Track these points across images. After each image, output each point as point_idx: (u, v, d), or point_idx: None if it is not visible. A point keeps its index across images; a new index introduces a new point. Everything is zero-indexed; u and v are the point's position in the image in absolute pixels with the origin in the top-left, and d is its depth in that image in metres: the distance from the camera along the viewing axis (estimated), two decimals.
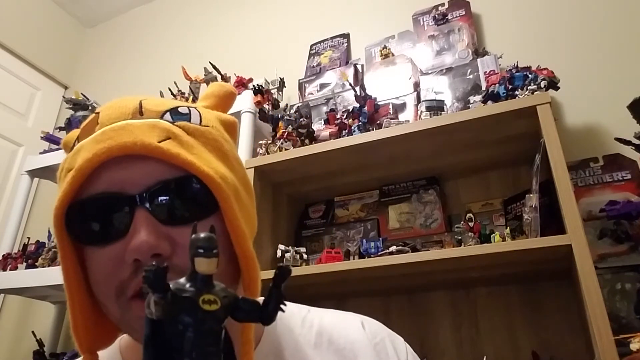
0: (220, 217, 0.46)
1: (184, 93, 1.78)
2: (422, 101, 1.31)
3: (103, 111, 0.49)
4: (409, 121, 1.31)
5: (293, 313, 0.59)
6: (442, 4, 1.63)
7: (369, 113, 1.34)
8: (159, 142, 0.44)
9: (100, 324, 0.48)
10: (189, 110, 0.50)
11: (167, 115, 0.48)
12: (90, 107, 1.93)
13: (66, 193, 0.43)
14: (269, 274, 0.35)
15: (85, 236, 0.45)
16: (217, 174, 0.45)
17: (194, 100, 1.68)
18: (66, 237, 0.45)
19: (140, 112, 0.47)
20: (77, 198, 0.44)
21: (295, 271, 1.20)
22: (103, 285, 0.45)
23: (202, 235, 0.31)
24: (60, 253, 0.45)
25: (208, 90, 0.58)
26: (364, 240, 1.26)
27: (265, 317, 0.35)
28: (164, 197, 0.44)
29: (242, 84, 1.71)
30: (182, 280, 0.32)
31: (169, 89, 1.77)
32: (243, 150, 1.48)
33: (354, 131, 1.32)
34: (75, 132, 0.52)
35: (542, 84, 1.12)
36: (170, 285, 0.31)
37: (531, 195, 1.04)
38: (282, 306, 0.35)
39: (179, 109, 0.49)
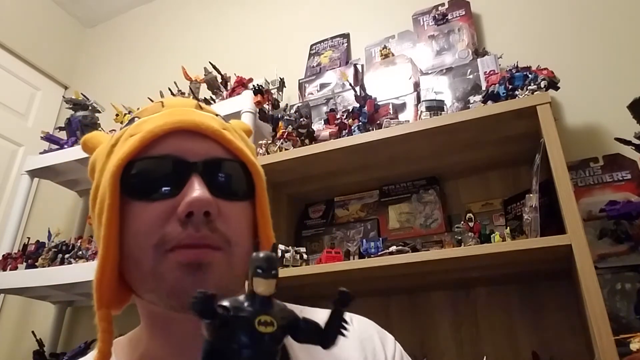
0: (252, 205, 0.53)
1: (184, 93, 1.78)
2: (422, 101, 1.31)
3: (167, 99, 0.57)
4: (409, 121, 1.31)
5: None
6: (442, 4, 1.63)
7: (369, 113, 1.34)
8: (221, 129, 0.52)
9: (117, 285, 0.50)
10: (233, 125, 0.58)
11: (220, 117, 0.57)
12: (90, 107, 1.93)
13: (133, 148, 0.48)
14: None
15: (141, 190, 0.49)
16: (259, 167, 0.54)
17: None
18: (118, 188, 0.48)
19: (200, 108, 0.56)
20: (139, 156, 0.49)
21: (295, 271, 1.20)
22: (143, 236, 0.48)
23: (261, 254, 0.31)
24: (108, 202, 0.48)
25: (233, 123, 0.64)
26: (364, 240, 1.26)
27: (325, 341, 0.34)
28: (218, 171, 0.51)
29: (242, 84, 1.70)
30: (241, 298, 0.32)
31: (169, 89, 1.77)
32: None
33: (354, 131, 1.32)
34: (98, 133, 0.60)
35: (542, 84, 1.12)
36: (228, 304, 0.31)
37: (531, 195, 1.04)
38: (343, 331, 0.35)
39: (223, 118, 0.58)
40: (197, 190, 0.47)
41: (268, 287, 0.31)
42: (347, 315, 0.60)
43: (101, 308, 0.49)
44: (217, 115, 0.57)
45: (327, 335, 0.34)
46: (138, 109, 0.57)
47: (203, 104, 0.57)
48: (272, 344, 0.31)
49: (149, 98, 1.41)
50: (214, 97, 1.75)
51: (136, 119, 0.54)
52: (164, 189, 0.48)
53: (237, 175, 0.52)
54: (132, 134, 0.51)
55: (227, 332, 0.31)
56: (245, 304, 0.31)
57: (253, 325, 0.30)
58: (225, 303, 0.31)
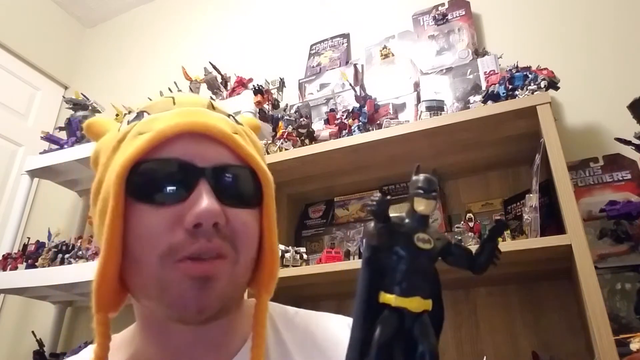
0: (259, 213, 0.52)
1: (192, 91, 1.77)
2: (422, 101, 1.31)
3: (179, 96, 0.54)
4: (409, 121, 1.31)
5: (280, 314, 0.60)
6: (442, 4, 1.63)
7: (369, 113, 1.34)
8: (232, 133, 0.50)
9: (116, 287, 0.49)
10: (241, 122, 0.57)
11: (231, 118, 0.54)
12: (90, 107, 1.93)
13: (141, 149, 0.47)
14: None
15: (147, 193, 0.47)
16: (269, 174, 0.52)
17: None
18: (123, 190, 0.47)
19: (212, 107, 0.54)
20: (147, 158, 0.47)
21: (295, 271, 1.20)
22: (147, 242, 0.46)
23: (422, 176, 0.32)
24: (112, 204, 0.46)
25: (242, 120, 0.62)
26: (364, 240, 1.26)
27: (476, 265, 0.35)
28: (227, 178, 0.49)
29: (242, 84, 1.70)
30: (402, 215, 0.33)
31: (169, 89, 1.77)
32: None
33: (354, 131, 1.32)
34: (101, 119, 0.58)
35: (542, 84, 1.12)
36: (391, 219, 0.33)
37: (531, 195, 1.04)
38: (495, 259, 0.35)
39: (237, 117, 0.56)
40: (205, 200, 0.45)
41: (428, 207, 0.32)
42: (344, 321, 0.60)
43: (99, 312, 0.48)
44: (229, 115, 0.55)
45: (478, 260, 0.35)
46: (137, 109, 0.54)
47: (216, 103, 0.55)
48: (427, 261, 0.33)
49: (148, 98, 1.41)
50: (214, 97, 1.75)
51: (145, 114, 0.51)
52: (171, 194, 0.47)
53: (246, 183, 0.51)
54: (140, 132, 0.49)
55: (389, 243, 0.32)
56: (406, 221, 0.33)
57: (412, 240, 0.32)
58: (391, 214, 0.33)
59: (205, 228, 0.45)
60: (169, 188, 0.47)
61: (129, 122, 0.52)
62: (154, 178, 0.48)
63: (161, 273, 0.46)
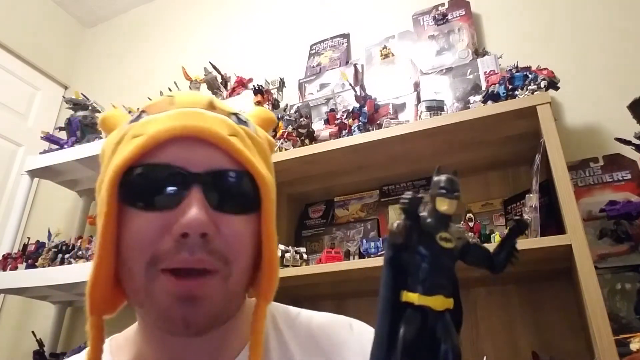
0: (257, 218, 0.49)
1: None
2: (422, 101, 1.31)
3: (178, 95, 0.52)
4: (409, 121, 1.31)
5: (282, 314, 0.60)
6: (442, 4, 1.63)
7: (369, 113, 1.34)
8: (228, 135, 0.48)
9: (111, 291, 0.49)
10: (247, 120, 0.54)
11: (233, 117, 0.52)
12: (90, 107, 1.93)
13: (133, 154, 0.46)
14: None
15: (138, 199, 0.46)
16: (268, 177, 0.49)
17: None
18: (116, 195, 0.46)
19: (212, 106, 0.51)
20: (139, 163, 0.46)
21: (295, 271, 1.20)
22: (138, 249, 0.46)
23: (444, 176, 0.33)
24: (104, 209, 0.46)
25: (254, 112, 0.60)
26: (364, 240, 1.26)
27: (495, 265, 0.35)
28: (220, 184, 0.47)
29: (242, 84, 1.71)
30: (424, 214, 0.34)
31: (169, 89, 1.77)
32: None
33: (354, 131, 1.32)
34: (117, 112, 0.56)
35: (542, 84, 1.12)
36: (420, 217, 0.33)
37: (531, 195, 1.04)
38: (513, 259, 0.35)
39: (240, 116, 0.53)
40: (193, 209, 0.44)
41: (450, 207, 0.32)
42: (347, 321, 0.60)
43: (93, 314, 0.47)
44: (230, 114, 0.52)
45: (497, 260, 0.35)
46: (138, 109, 0.53)
47: (217, 101, 0.52)
48: (449, 260, 0.33)
49: (148, 98, 1.41)
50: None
51: (144, 114, 0.50)
52: (161, 200, 0.46)
53: (241, 188, 0.49)
54: (135, 135, 0.48)
55: (413, 242, 0.33)
56: (428, 220, 0.33)
57: (435, 239, 0.32)
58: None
59: (192, 239, 0.44)
60: (160, 194, 0.46)
61: (130, 122, 0.51)
62: (145, 184, 0.47)
63: (148, 282, 0.45)
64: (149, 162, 0.46)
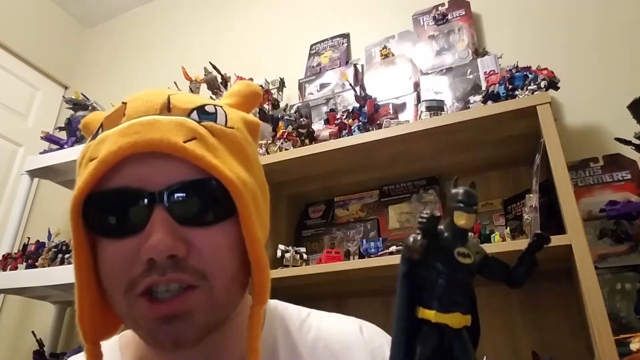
0: (237, 221, 0.46)
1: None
2: (422, 101, 1.31)
3: (130, 102, 0.48)
4: (409, 121, 1.31)
5: (292, 315, 0.59)
6: (442, 4, 1.63)
7: (369, 113, 1.34)
8: (185, 141, 0.44)
9: (105, 315, 0.48)
10: (215, 110, 0.49)
11: (194, 114, 0.47)
12: (90, 107, 1.93)
13: (87, 183, 0.43)
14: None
15: (102, 228, 0.45)
16: (239, 179, 0.45)
17: None
18: (82, 226, 0.45)
19: (168, 108, 0.47)
20: (97, 189, 0.44)
21: (295, 271, 1.20)
22: (114, 278, 0.44)
23: (462, 189, 0.32)
24: (73, 242, 0.45)
25: (234, 88, 0.57)
26: (364, 240, 1.26)
27: (513, 279, 0.35)
28: (184, 198, 0.44)
29: None
30: (441, 228, 0.33)
31: (169, 89, 1.77)
32: None
33: (354, 131, 1.32)
34: (96, 115, 0.53)
35: (542, 84, 1.12)
36: (439, 236, 0.32)
37: (531, 195, 1.04)
38: (532, 273, 0.35)
39: (206, 108, 0.49)
40: (156, 233, 0.41)
41: (468, 221, 0.31)
42: (357, 324, 0.59)
43: (87, 343, 0.46)
44: (191, 111, 0.47)
45: (516, 274, 0.35)
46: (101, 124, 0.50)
47: (174, 99, 0.48)
48: (466, 275, 0.32)
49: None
50: (213, 97, 1.75)
51: (101, 130, 0.48)
52: (126, 226, 0.44)
53: (209, 196, 0.45)
54: (91, 158, 0.45)
55: (429, 257, 0.32)
56: (445, 234, 0.32)
57: (452, 254, 0.32)
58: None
59: (159, 262, 0.42)
60: (123, 221, 0.44)
61: (90, 140, 0.48)
62: (106, 211, 0.45)
63: (129, 309, 0.44)
64: (106, 188, 0.44)
